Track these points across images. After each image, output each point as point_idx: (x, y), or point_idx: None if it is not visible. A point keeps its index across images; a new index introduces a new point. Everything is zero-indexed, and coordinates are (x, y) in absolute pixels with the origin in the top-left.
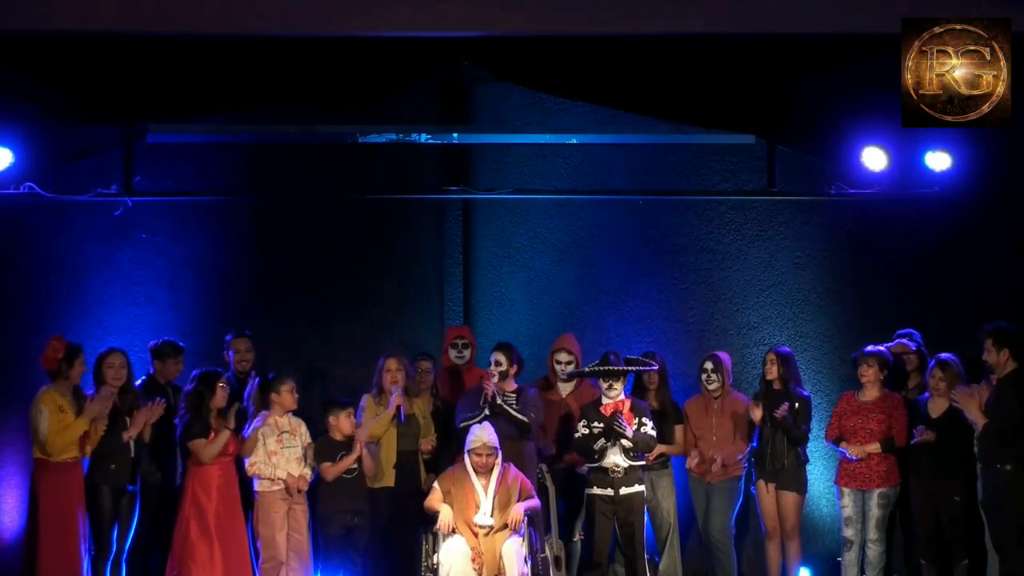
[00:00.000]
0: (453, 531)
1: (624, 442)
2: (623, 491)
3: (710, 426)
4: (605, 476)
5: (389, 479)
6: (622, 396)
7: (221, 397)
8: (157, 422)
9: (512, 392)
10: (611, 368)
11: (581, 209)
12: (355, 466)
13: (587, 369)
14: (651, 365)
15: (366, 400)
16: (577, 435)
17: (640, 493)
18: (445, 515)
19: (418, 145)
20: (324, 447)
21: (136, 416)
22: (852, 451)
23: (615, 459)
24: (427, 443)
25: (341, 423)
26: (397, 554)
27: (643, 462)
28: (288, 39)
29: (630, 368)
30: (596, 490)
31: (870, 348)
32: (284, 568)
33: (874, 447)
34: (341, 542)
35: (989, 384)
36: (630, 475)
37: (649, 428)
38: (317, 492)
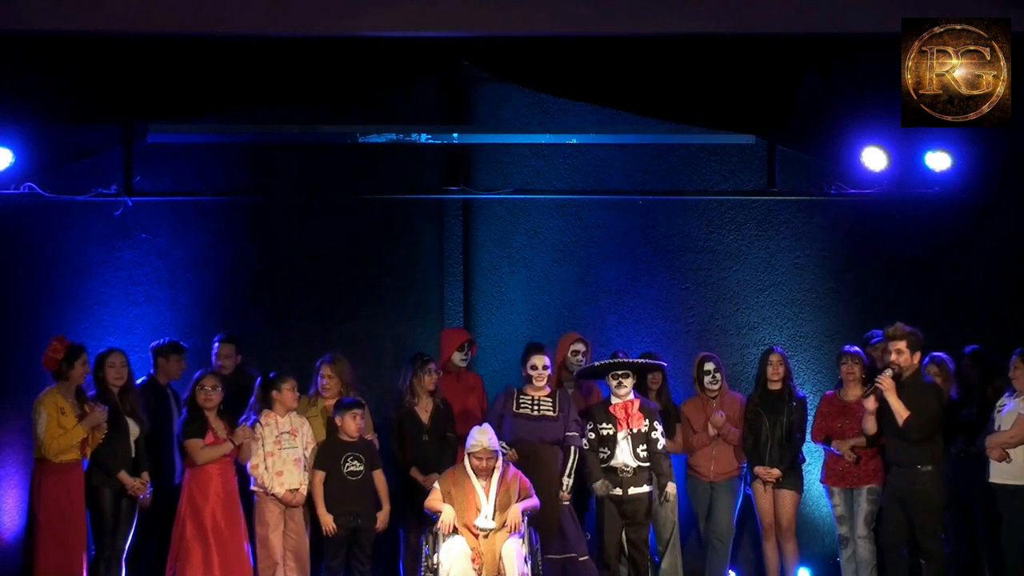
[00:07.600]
0: (454, 531)
1: (634, 444)
2: (632, 491)
3: (709, 427)
4: (614, 476)
5: None
6: (631, 396)
7: (214, 399)
8: (157, 423)
9: (547, 396)
10: (622, 361)
11: (581, 209)
12: (360, 468)
13: (597, 364)
14: (661, 362)
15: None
16: (583, 442)
17: (648, 493)
18: (447, 516)
19: (418, 145)
20: (328, 448)
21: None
22: (840, 447)
23: (624, 459)
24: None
25: (347, 424)
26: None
27: (649, 463)
28: (288, 39)
29: (641, 361)
30: None
31: (850, 348)
32: (281, 568)
33: (859, 440)
34: (345, 543)
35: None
36: (639, 475)
37: (662, 441)
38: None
